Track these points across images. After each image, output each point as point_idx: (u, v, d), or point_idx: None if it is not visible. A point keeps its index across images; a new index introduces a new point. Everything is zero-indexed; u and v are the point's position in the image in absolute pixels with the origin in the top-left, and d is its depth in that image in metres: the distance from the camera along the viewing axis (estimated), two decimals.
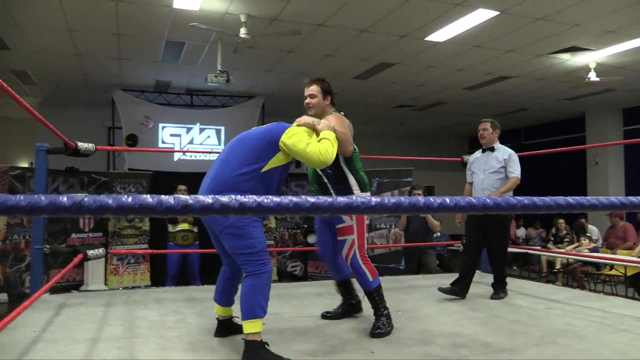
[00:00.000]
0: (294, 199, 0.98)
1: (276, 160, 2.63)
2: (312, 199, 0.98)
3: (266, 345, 2.53)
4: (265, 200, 0.96)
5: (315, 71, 8.43)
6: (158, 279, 7.99)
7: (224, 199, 0.94)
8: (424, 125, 13.99)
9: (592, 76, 7.95)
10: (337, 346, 2.80)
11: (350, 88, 9.58)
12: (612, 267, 7.66)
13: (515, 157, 4.37)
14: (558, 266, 8.77)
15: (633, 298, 6.84)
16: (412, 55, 7.56)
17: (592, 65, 7.90)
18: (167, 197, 0.93)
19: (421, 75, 8.70)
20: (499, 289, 4.30)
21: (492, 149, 4.44)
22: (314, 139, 2.71)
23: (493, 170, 4.37)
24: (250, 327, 2.50)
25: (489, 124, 4.46)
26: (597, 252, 7.92)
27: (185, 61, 7.95)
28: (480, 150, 4.56)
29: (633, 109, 11.47)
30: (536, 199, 1.35)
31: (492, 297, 4.22)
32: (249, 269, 2.55)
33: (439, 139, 16.22)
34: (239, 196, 0.96)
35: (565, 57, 7.61)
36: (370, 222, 8.52)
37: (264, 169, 2.60)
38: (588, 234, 8.75)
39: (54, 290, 5.51)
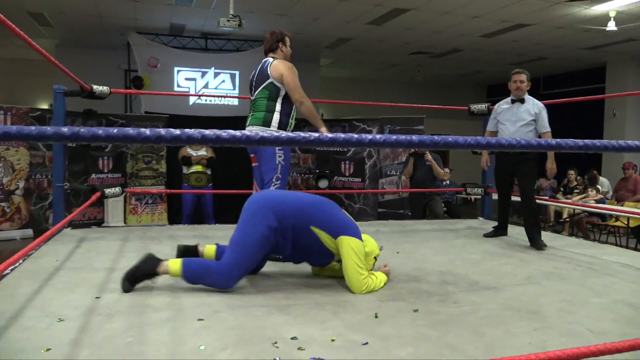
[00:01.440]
0: (207, 132, 1.13)
1: (326, 239, 2.78)
2: (229, 133, 1.13)
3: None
4: (189, 132, 1.12)
5: (329, 16, 8.39)
6: (175, 219, 8.34)
7: (147, 131, 1.10)
8: (441, 72, 13.84)
9: (611, 25, 7.79)
10: (330, 284, 3.01)
11: (365, 34, 9.50)
12: (617, 218, 7.77)
13: (545, 111, 4.36)
14: (565, 216, 8.90)
15: (634, 248, 6.98)
16: (426, 1, 7.45)
17: (612, 14, 7.72)
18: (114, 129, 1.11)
19: (436, 22, 8.59)
20: (539, 237, 4.29)
21: (522, 101, 4.39)
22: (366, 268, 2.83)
23: (524, 122, 4.33)
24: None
25: (524, 75, 4.38)
26: (604, 203, 8.00)
27: (199, 4, 7.94)
28: (510, 100, 4.47)
29: None
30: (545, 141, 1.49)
31: (538, 248, 4.17)
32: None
33: (457, 87, 16.05)
34: (169, 130, 1.15)
35: (584, 4, 7.45)
36: (381, 169, 8.67)
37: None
38: (598, 186, 8.81)
39: (76, 226, 5.84)
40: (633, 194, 8.86)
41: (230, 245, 2.75)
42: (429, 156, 6.18)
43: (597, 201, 7.99)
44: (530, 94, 4.47)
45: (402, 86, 15.28)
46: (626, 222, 7.45)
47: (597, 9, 7.62)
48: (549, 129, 4.32)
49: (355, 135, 1.23)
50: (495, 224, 4.85)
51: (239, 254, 2.69)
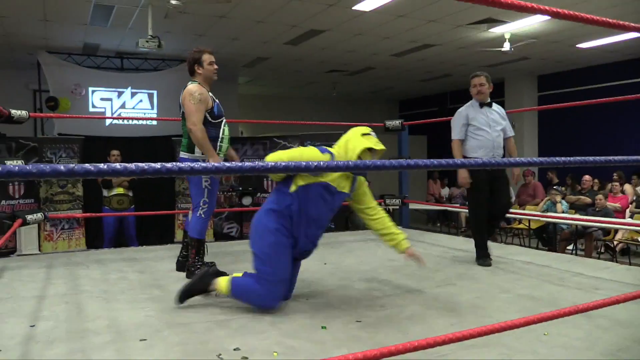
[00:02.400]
0: (117, 166, 1.14)
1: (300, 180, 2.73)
2: (143, 166, 1.16)
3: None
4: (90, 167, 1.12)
5: (246, 36, 8.56)
6: (94, 244, 8.08)
7: (56, 167, 1.07)
8: (356, 89, 14.39)
9: (506, 46, 8.56)
10: None
11: (282, 53, 9.76)
12: (520, 221, 8.47)
13: None
14: None
15: (536, 247, 7.66)
16: (340, 23, 7.83)
17: (507, 36, 8.49)
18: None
19: (350, 42, 9.01)
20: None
21: (490, 104, 4.15)
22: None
23: (502, 127, 4.11)
24: None
25: (484, 78, 4.10)
26: None
27: (115, 24, 7.84)
28: (477, 104, 4.14)
29: (546, 76, 12.34)
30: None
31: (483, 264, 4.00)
32: None
33: (371, 102, 16.71)
34: (77, 165, 1.15)
35: (481, 27, 8.14)
36: None
37: (292, 190, 2.73)
38: None
39: None
40: (533, 198, 9.69)
41: (255, 272, 2.74)
42: None
43: None
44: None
45: (319, 102, 15.70)
46: (528, 224, 8.15)
47: (494, 32, 8.35)
48: (513, 131, 4.25)
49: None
50: (411, 232, 5.16)
51: (266, 273, 2.68)
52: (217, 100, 3.71)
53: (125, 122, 9.70)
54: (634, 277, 3.67)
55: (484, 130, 4.05)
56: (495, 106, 4.19)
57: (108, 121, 9.53)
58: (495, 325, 1.63)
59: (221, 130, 3.67)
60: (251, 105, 14.13)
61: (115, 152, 7.00)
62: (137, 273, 3.79)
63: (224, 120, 3.72)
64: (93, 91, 9.42)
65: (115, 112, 9.52)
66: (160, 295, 3.14)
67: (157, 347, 2.26)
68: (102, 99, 9.49)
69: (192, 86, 3.57)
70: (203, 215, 3.61)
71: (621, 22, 1.96)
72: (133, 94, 9.69)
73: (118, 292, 3.23)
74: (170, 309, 2.81)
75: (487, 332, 1.54)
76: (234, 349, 2.22)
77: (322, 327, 2.51)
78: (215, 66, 3.71)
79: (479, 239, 4.13)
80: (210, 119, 3.58)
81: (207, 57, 3.66)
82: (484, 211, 4.11)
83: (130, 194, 6.92)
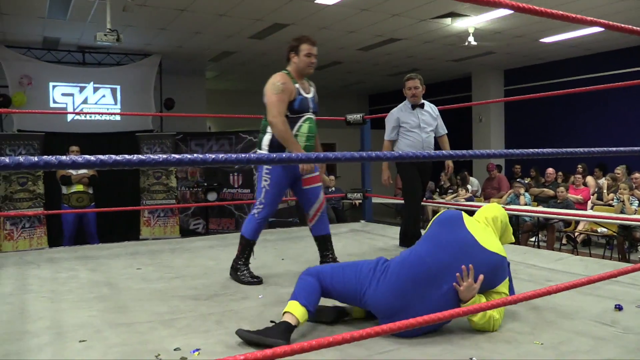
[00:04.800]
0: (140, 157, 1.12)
1: None
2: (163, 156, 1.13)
3: None
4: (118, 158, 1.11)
5: (210, 30, 8.46)
6: (56, 242, 7.90)
7: (63, 157, 1.07)
8: (324, 84, 14.33)
9: (471, 40, 8.63)
10: (219, 289, 3.12)
11: (247, 47, 9.67)
12: None
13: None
14: None
15: None
16: (304, 16, 7.79)
17: (471, 30, 8.56)
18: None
19: (315, 36, 8.76)
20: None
21: (422, 106, 4.30)
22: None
23: (432, 128, 4.33)
24: None
25: (418, 80, 4.27)
26: (472, 200, 8.80)
27: (74, 17, 7.66)
28: (409, 106, 4.30)
29: (512, 70, 12.51)
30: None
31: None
32: None
33: (340, 97, 16.69)
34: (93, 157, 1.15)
35: (446, 21, 8.19)
36: None
37: None
38: (468, 185, 9.66)
39: None
40: (498, 191, 9.83)
41: None
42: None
43: (467, 199, 8.77)
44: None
45: None
46: None
47: (458, 26, 8.41)
48: (446, 129, 4.53)
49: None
50: (374, 226, 5.17)
51: None
52: (306, 95, 3.38)
53: (88, 117, 9.51)
54: (585, 268, 3.73)
55: (414, 132, 4.28)
56: (427, 106, 4.36)
57: (70, 117, 9.33)
58: (413, 320, 1.62)
59: (297, 127, 3.31)
60: (220, 100, 13.99)
61: (74, 148, 6.84)
62: (88, 271, 3.71)
63: (307, 117, 3.36)
64: (54, 86, 9.20)
65: (77, 107, 9.32)
66: (108, 293, 3.07)
67: (96, 349, 2.21)
68: (63, 94, 9.28)
69: (275, 75, 3.28)
70: (256, 215, 3.34)
71: (580, 17, 1.89)
72: (95, 89, 9.49)
73: (66, 291, 3.15)
74: (115, 308, 2.75)
75: (408, 326, 1.53)
76: (175, 349, 2.18)
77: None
78: (314, 59, 3.35)
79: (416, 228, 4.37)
80: (287, 113, 3.26)
81: (305, 47, 3.32)
82: (420, 201, 4.47)
83: (90, 191, 6.78)
